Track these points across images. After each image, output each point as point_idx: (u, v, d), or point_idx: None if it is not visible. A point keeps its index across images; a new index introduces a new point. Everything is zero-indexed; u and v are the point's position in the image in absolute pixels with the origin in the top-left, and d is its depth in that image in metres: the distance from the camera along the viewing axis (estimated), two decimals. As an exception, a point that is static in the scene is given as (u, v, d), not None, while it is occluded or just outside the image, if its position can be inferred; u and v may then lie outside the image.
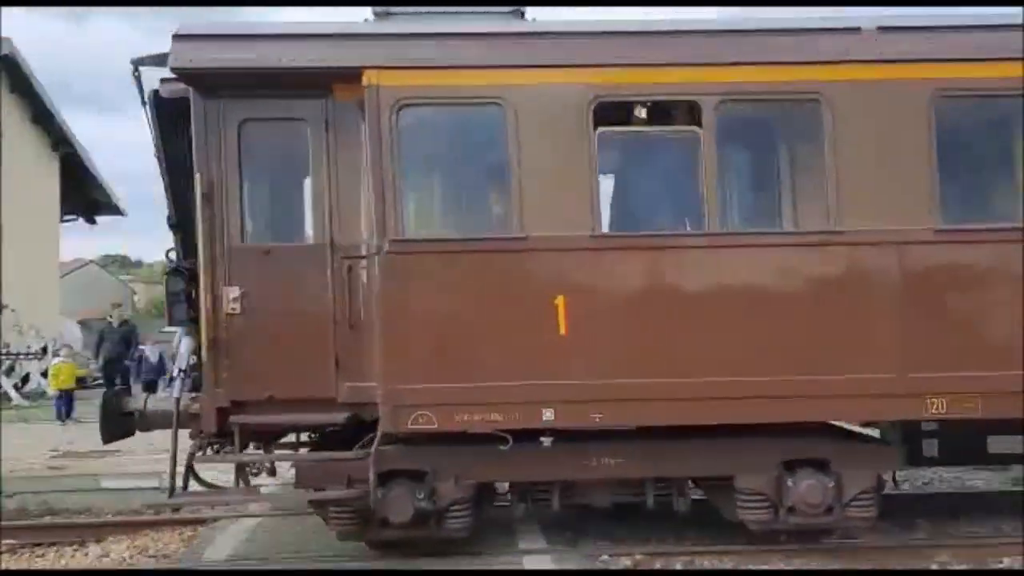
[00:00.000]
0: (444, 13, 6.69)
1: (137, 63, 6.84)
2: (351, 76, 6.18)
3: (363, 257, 6.30)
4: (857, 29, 6.35)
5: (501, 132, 6.11)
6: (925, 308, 6.21)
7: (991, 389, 6.19)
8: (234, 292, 6.27)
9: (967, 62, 6.15)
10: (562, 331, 6.06)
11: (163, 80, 6.96)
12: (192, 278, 6.53)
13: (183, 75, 6.14)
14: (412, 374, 6.03)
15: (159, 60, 6.88)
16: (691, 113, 6.18)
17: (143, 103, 6.90)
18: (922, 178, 6.19)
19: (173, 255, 7.33)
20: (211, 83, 6.24)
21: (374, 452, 6.08)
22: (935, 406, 6.20)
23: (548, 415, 6.05)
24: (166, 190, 6.97)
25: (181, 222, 6.96)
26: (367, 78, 6.06)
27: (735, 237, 6.23)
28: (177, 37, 6.17)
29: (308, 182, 6.46)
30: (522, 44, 6.20)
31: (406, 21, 6.58)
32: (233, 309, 6.27)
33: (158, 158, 6.95)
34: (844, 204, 6.15)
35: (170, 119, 6.88)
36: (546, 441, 6.36)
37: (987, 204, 6.64)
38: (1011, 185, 6.31)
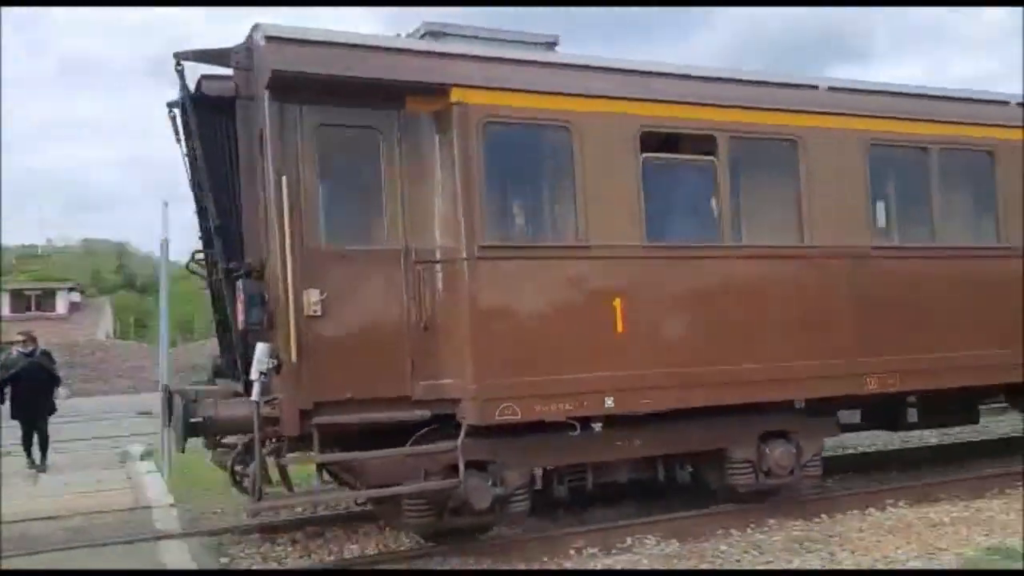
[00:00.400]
0: (489, 39, 7.28)
1: (180, 57, 6.60)
2: (427, 90, 6.59)
3: (436, 262, 6.68)
4: (815, 87, 8.04)
5: (568, 152, 6.89)
6: (864, 308, 8.00)
7: (905, 369, 8.13)
8: (314, 295, 6.31)
9: (892, 119, 8.09)
10: (619, 328, 6.96)
11: (205, 77, 6.77)
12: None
13: (281, 77, 6.09)
14: (499, 370, 6.55)
15: (202, 56, 6.71)
16: (709, 145, 7.41)
17: (184, 100, 6.65)
18: (860, 207, 8.01)
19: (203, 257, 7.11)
20: (294, 86, 6.25)
21: (461, 444, 6.48)
22: (870, 384, 8.01)
23: (609, 402, 6.90)
24: (207, 191, 6.74)
25: (224, 224, 6.78)
26: (455, 95, 6.50)
27: (741, 249, 7.57)
28: (271, 39, 6.13)
29: (381, 188, 6.67)
30: (587, 76, 7.02)
31: (460, 42, 7.08)
32: (314, 311, 6.31)
33: (197, 157, 6.72)
34: (812, 224, 7.76)
35: (213, 116, 6.73)
36: (597, 427, 7.17)
37: (906, 229, 8.64)
38: (924, 214, 8.35)
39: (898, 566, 6.24)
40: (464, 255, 6.51)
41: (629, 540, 7.30)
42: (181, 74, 6.61)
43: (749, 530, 7.60)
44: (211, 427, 6.27)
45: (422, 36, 7.20)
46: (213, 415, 6.24)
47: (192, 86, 6.85)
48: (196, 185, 7.69)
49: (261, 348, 6.26)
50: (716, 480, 7.99)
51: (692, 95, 7.36)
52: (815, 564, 6.50)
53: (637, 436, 7.37)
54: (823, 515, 7.97)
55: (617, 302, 6.96)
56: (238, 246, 6.84)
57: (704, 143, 7.44)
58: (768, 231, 7.98)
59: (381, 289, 6.59)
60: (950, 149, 8.47)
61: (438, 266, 6.69)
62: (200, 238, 7.86)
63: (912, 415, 9.36)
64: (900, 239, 8.48)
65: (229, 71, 6.86)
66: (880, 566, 6.27)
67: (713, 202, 7.45)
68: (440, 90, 6.53)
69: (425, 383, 6.64)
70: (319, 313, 6.34)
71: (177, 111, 7.65)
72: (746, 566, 6.56)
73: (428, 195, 6.72)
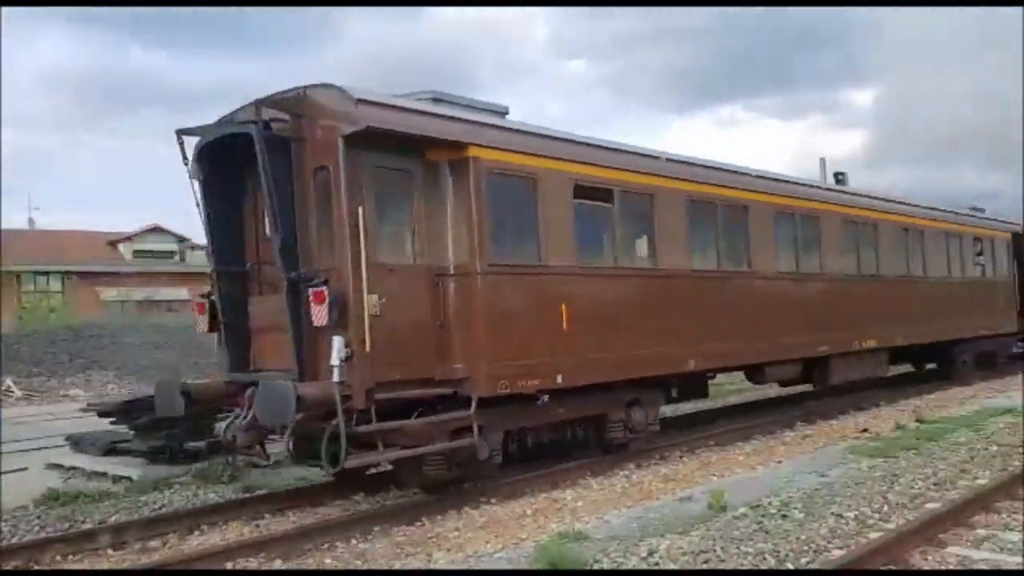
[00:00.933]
0: (466, 105, 9.63)
1: (260, 103, 8.06)
2: (449, 145, 8.76)
3: (450, 275, 8.83)
4: (658, 157, 11.55)
5: (534, 197, 9.50)
6: (687, 312, 11.61)
7: (705, 354, 11.88)
8: (375, 299, 8.13)
9: (701, 184, 11.90)
10: (564, 326, 9.68)
11: (274, 120, 8.25)
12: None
13: (369, 132, 7.89)
14: (500, 355, 8.90)
15: (277, 103, 8.24)
16: (609, 196, 10.50)
17: (258, 140, 8.05)
18: (683, 242, 11.66)
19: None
20: (362, 136, 8.02)
21: (474, 413, 8.69)
22: (690, 364, 11.63)
23: (559, 379, 9.59)
24: (275, 216, 8.13)
25: (286, 242, 8.24)
26: (472, 151, 8.79)
27: (622, 269, 10.77)
28: (363, 101, 7.97)
29: (411, 217, 8.68)
30: (546, 142, 9.73)
31: (452, 108, 9.33)
32: (375, 312, 8.12)
33: (268, 187, 8.10)
34: (660, 253, 11.22)
35: (276, 153, 8.22)
36: (544, 399, 9.72)
37: (709, 258, 12.46)
38: (713, 247, 12.33)
39: (485, 558, 6.80)
40: (478, 270, 8.76)
41: (229, 565, 7.33)
42: (259, 116, 8.00)
43: (354, 541, 7.95)
44: (300, 405, 7.70)
45: (420, 99, 9.29)
46: (301, 395, 7.71)
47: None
48: (208, 208, 8.92)
49: (338, 340, 7.88)
50: (596, 437, 11.01)
51: (600, 160, 10.37)
52: (415, 565, 7.07)
53: (561, 406, 10.09)
54: (424, 519, 8.55)
55: (563, 306, 9.70)
56: (294, 260, 8.29)
57: (606, 194, 10.48)
58: (639, 258, 11.25)
59: (416, 296, 8.60)
60: (728, 205, 12.53)
61: (451, 279, 8.84)
62: (209, 253, 9.04)
63: (674, 392, 13.17)
64: (703, 266, 12.28)
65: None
66: (472, 560, 6.81)
67: (608, 236, 10.53)
68: (459, 146, 8.74)
69: (442, 367, 8.74)
70: (379, 313, 8.15)
71: (187, 139, 8.83)
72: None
73: (442, 223, 8.85)
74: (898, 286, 16.94)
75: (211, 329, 9.26)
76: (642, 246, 11.34)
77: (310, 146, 8.33)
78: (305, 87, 8.39)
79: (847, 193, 16.60)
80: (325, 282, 8.05)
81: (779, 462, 10.83)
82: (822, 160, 24.48)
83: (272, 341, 8.79)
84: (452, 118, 8.91)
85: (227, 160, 8.83)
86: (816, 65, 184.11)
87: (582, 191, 10.13)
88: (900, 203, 17.84)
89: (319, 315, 7.98)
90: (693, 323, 11.63)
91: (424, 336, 8.61)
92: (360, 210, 7.97)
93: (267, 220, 8.40)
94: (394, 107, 8.36)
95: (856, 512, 7.72)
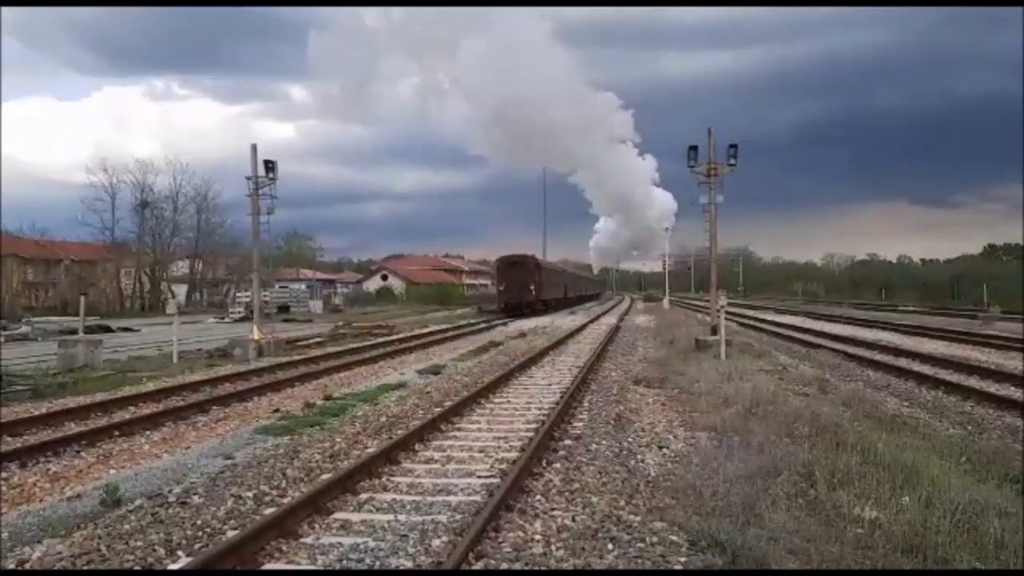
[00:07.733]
0: (535, 257, 58.28)
1: (518, 255, 55.66)
2: (539, 263, 59.63)
3: (537, 282, 56.62)
4: (552, 261, 65.20)
5: (546, 270, 59.81)
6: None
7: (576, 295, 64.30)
8: (540, 283, 54.53)
9: (556, 269, 68.57)
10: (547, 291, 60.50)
11: (523, 256, 57.01)
12: None
13: (537, 263, 58.28)
14: (544, 294, 58.81)
15: (522, 256, 58.31)
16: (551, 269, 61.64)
17: (527, 262, 57.24)
18: (558, 278, 64.24)
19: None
20: (536, 265, 57.43)
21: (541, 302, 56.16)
22: (563, 294, 64.16)
23: (544, 296, 59.82)
24: (530, 274, 55.50)
25: (521, 281, 53.92)
26: (541, 263, 59.45)
27: (554, 282, 61.41)
28: (534, 257, 59.17)
29: (537, 275, 57.27)
30: (545, 261, 62.09)
31: (539, 258, 59.78)
32: (539, 287, 55.75)
33: (528, 270, 56.76)
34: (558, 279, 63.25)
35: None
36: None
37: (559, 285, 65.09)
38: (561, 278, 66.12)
39: None
40: (540, 281, 57.47)
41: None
42: (525, 256, 53.79)
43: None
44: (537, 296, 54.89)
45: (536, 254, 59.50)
46: (536, 295, 53.90)
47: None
48: (503, 274, 57.07)
49: (535, 288, 55.20)
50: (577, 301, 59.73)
51: (549, 265, 63.04)
52: None
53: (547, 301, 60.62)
54: None
55: (547, 288, 60.46)
56: (526, 284, 55.08)
57: (551, 269, 62.22)
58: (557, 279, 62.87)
59: (538, 285, 56.86)
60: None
61: (540, 283, 57.04)
62: (499, 284, 56.19)
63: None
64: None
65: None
66: None
67: (549, 277, 61.58)
68: (539, 263, 58.89)
69: (536, 294, 57.24)
70: (540, 286, 56.56)
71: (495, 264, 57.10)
72: None
73: (539, 275, 57.38)
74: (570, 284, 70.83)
75: (501, 291, 57.01)
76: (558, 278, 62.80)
77: (531, 265, 57.19)
78: (528, 255, 58.13)
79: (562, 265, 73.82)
80: (536, 283, 54.42)
81: (188, 448, 10.30)
82: (253, 146, 24.56)
83: (517, 293, 55.57)
84: (540, 259, 59.63)
85: (510, 264, 56.61)
86: (262, 53, 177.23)
87: (544, 270, 59.63)
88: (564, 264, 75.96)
89: (533, 285, 55.53)
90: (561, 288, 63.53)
91: (539, 290, 56.62)
92: (536, 275, 55.83)
93: (526, 275, 55.28)
94: (536, 258, 58.36)
95: (255, 491, 7.62)
